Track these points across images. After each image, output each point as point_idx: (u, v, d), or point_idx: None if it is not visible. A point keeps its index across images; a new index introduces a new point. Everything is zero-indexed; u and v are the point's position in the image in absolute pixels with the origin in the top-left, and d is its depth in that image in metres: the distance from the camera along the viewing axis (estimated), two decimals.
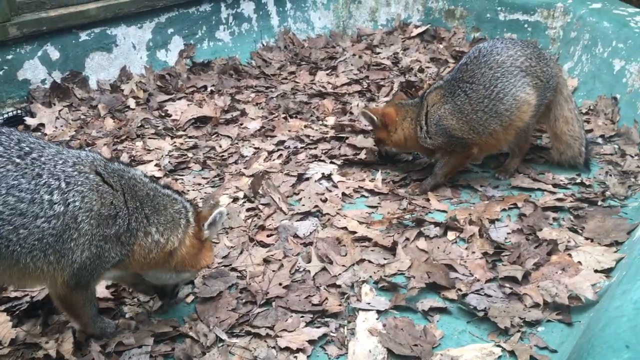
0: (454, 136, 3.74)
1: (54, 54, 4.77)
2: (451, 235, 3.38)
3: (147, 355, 2.53)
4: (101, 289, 2.91)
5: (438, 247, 3.26)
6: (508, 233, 3.37)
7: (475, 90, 3.68)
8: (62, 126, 4.64)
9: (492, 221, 3.47)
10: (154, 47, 5.48)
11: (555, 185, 3.85)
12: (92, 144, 4.42)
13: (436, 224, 3.45)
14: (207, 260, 2.69)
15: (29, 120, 4.58)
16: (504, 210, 3.61)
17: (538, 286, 2.87)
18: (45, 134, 4.53)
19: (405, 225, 3.48)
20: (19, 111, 4.59)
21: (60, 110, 4.75)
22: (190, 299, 2.94)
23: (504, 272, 3.00)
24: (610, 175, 3.92)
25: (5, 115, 4.52)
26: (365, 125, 4.58)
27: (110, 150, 4.32)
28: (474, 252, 3.20)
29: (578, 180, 3.90)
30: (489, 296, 2.88)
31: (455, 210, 3.59)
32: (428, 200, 3.76)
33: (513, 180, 3.93)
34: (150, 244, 2.48)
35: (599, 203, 3.60)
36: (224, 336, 2.65)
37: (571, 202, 3.64)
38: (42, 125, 4.60)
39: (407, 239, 3.34)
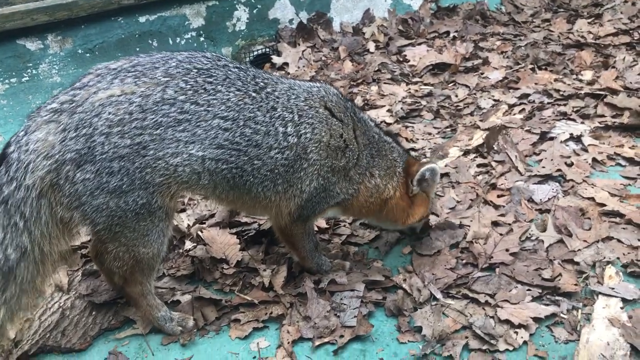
0: None
1: None
2: None
3: (359, 300, 2.46)
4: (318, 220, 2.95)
5: None
6: None
7: None
8: (304, 66, 4.78)
9: None
10: None
11: None
12: None
13: None
14: (415, 217, 2.59)
15: (275, 59, 4.80)
16: None
17: None
18: (289, 73, 4.70)
19: None
20: (267, 49, 4.83)
21: (303, 51, 4.88)
22: (407, 249, 2.80)
23: None
24: None
25: (255, 53, 4.79)
26: (632, 83, 3.91)
27: (345, 93, 4.33)
28: None
29: None
30: None
31: None
32: None
33: None
34: (373, 187, 2.47)
35: None
36: (438, 295, 2.47)
37: None
38: (286, 64, 4.78)
39: None
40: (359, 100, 4.21)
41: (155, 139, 2.06)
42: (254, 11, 4.71)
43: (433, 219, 2.91)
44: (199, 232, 2.92)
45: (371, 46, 4.96)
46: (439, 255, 2.70)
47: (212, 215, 3.07)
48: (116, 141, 2.03)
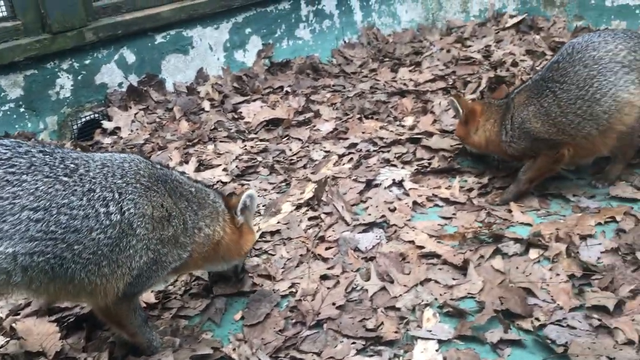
0: (539, 139, 3.33)
1: (130, 58, 4.80)
2: (534, 253, 2.97)
3: None
4: (147, 295, 2.84)
5: (517, 267, 2.86)
6: (601, 252, 2.90)
7: (567, 90, 3.23)
8: (137, 129, 4.66)
9: (583, 237, 3.01)
10: (231, 47, 5.40)
11: None
12: (164, 147, 4.40)
13: (517, 240, 3.05)
14: (248, 245, 2.76)
15: (106, 124, 4.64)
16: (599, 224, 3.12)
17: (633, 319, 2.42)
18: (121, 137, 4.56)
19: (481, 241, 3.11)
20: (97, 115, 4.66)
21: (136, 114, 4.77)
22: (238, 315, 2.77)
23: (593, 300, 2.57)
24: None
25: (84, 119, 4.61)
26: (447, 125, 4.25)
27: (180, 154, 4.27)
28: (558, 274, 2.78)
29: None
30: (573, 328, 2.47)
31: (541, 224, 3.17)
32: (510, 211, 3.36)
33: (612, 189, 3.42)
34: (204, 238, 2.50)
35: None
36: None
37: None
38: (119, 128, 4.64)
39: (482, 256, 2.98)
40: (194, 161, 4.16)
41: None
42: (79, 77, 4.54)
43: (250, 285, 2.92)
44: (13, 325, 2.69)
45: (206, 105, 4.96)
46: (269, 318, 2.69)
47: (29, 304, 2.84)
48: None
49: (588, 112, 3.19)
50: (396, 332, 2.54)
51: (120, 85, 4.80)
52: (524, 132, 3.36)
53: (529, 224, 3.23)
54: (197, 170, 4.10)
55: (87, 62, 4.56)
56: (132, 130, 4.65)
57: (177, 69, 5.10)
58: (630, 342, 2.35)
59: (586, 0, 5.63)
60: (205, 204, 2.54)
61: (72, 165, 2.18)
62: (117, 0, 4.70)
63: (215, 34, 5.26)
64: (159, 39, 4.93)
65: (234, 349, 2.52)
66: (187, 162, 4.16)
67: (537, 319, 2.53)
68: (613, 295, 2.58)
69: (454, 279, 2.85)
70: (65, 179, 2.13)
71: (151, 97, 4.93)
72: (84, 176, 2.18)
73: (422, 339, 2.49)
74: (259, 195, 3.78)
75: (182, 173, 2.64)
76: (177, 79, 5.11)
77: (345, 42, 6.15)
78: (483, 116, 3.59)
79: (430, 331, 2.53)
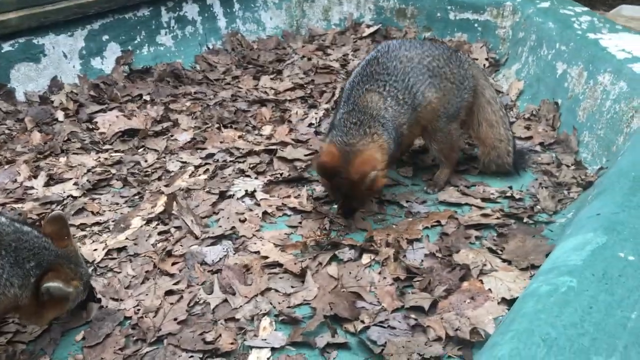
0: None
1: None
2: (366, 258, 3.22)
3: None
4: None
5: (350, 273, 3.10)
6: (425, 255, 3.22)
7: (396, 81, 3.53)
8: None
9: (411, 242, 3.31)
10: (88, 55, 5.28)
11: (484, 200, 3.69)
12: (12, 161, 4.24)
13: (352, 246, 3.29)
14: (47, 319, 2.66)
15: None
16: (426, 228, 3.45)
17: (442, 318, 2.73)
18: None
19: (321, 248, 3.32)
20: None
21: None
22: (80, 336, 2.78)
23: (411, 301, 2.86)
24: (543, 187, 3.77)
25: None
26: (302, 134, 4.43)
27: (30, 168, 4.14)
28: (385, 278, 3.05)
29: (509, 194, 3.75)
30: (393, 328, 2.73)
31: (375, 230, 3.44)
32: None
33: (441, 194, 3.77)
34: (12, 295, 2.43)
35: (525, 220, 3.45)
36: None
37: (497, 218, 3.48)
38: None
39: (320, 263, 3.19)
40: (43, 176, 4.06)
41: None
42: None
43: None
44: None
45: (60, 115, 4.82)
46: (110, 337, 2.74)
47: None
48: None
49: (410, 103, 3.54)
50: (232, 343, 2.67)
51: None
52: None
53: (366, 230, 3.48)
54: (47, 184, 4.00)
55: None
56: None
57: (28, 78, 4.92)
58: (439, 339, 2.64)
59: (433, 13, 6.06)
60: (22, 265, 2.44)
61: None
62: None
63: (69, 41, 5.13)
64: (7, 47, 4.73)
65: None
66: (35, 177, 4.05)
67: (362, 321, 2.77)
68: (429, 295, 2.88)
69: (292, 287, 3.03)
70: None
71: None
72: None
73: (257, 347, 2.65)
74: (109, 210, 3.78)
75: (15, 222, 2.51)
76: (29, 88, 4.93)
77: (209, 48, 6.20)
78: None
79: (265, 340, 2.69)
